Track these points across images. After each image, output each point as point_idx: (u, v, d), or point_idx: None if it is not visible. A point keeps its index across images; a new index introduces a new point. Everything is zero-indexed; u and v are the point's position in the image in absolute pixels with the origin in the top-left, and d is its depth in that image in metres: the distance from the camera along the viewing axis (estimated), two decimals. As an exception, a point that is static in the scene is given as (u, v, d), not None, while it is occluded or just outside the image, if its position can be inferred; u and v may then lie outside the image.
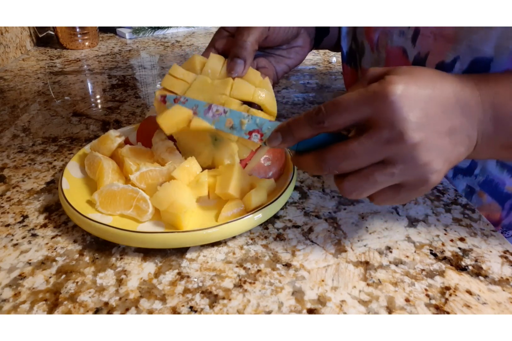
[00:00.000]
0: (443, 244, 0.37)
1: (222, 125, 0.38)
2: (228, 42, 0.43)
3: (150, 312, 0.31)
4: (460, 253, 0.36)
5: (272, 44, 0.45)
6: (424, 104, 0.29)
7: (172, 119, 0.39)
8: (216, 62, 0.41)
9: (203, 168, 0.41)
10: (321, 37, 0.55)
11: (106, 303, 0.32)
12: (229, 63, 0.40)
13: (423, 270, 0.35)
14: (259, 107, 0.41)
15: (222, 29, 0.44)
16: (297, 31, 0.47)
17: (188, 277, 0.34)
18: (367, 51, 0.51)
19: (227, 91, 0.40)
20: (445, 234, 0.39)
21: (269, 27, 0.42)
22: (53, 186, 0.46)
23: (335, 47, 0.61)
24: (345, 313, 0.31)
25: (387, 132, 0.28)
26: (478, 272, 0.34)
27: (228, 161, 0.42)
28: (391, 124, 0.28)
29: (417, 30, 0.43)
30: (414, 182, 0.30)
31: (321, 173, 0.31)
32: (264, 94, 0.40)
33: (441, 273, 0.34)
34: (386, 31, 0.47)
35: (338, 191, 0.31)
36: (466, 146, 0.31)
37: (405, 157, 0.29)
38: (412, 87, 0.28)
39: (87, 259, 0.36)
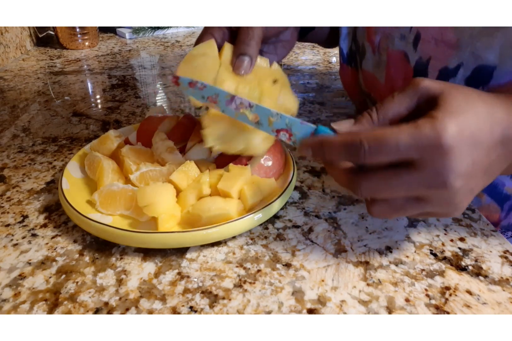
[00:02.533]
0: (443, 244, 0.37)
1: (246, 119, 0.36)
2: (224, 33, 0.42)
3: (150, 312, 0.31)
4: (460, 253, 0.36)
5: (266, 38, 0.43)
6: (473, 153, 0.28)
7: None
8: (230, 53, 0.40)
9: (232, 154, 0.40)
10: (306, 32, 0.54)
11: (106, 303, 0.32)
12: (236, 61, 0.39)
13: (423, 270, 0.35)
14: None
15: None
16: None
17: (188, 277, 0.34)
18: (369, 53, 0.51)
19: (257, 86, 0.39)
20: (445, 234, 0.39)
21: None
22: (53, 186, 0.46)
23: (327, 43, 0.61)
24: (345, 313, 0.31)
25: (430, 177, 0.28)
26: (478, 272, 0.34)
27: (262, 148, 0.40)
28: (437, 172, 0.27)
29: (418, 35, 0.43)
30: (439, 214, 0.31)
31: (352, 193, 0.31)
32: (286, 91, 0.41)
33: (441, 273, 0.34)
34: (387, 34, 0.47)
35: (367, 210, 0.32)
36: (498, 174, 0.31)
37: (440, 200, 0.29)
38: (466, 133, 0.27)
39: (87, 259, 0.36)
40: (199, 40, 0.41)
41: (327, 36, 0.58)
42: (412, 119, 0.28)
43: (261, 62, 0.41)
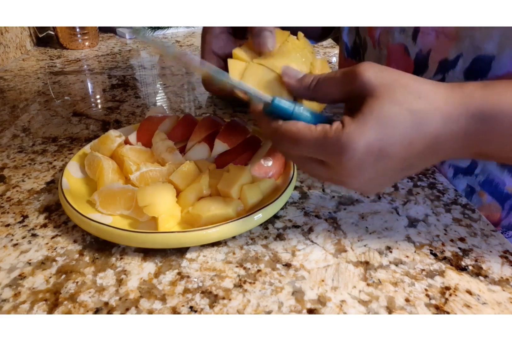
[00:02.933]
0: (443, 244, 0.37)
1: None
2: (225, 42, 0.41)
3: (150, 312, 0.31)
4: (460, 253, 0.36)
5: None
6: (379, 164, 0.28)
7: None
8: (245, 55, 0.39)
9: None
10: None
11: (106, 303, 0.32)
12: (258, 39, 0.37)
13: (423, 270, 0.35)
14: None
15: (210, 28, 0.42)
16: None
17: (188, 277, 0.34)
18: (370, 48, 0.52)
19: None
20: (445, 234, 0.39)
21: None
22: (53, 186, 0.46)
23: (312, 38, 0.61)
24: (345, 313, 0.31)
25: (334, 175, 0.30)
26: (478, 272, 0.34)
27: None
28: (338, 174, 0.29)
29: (417, 27, 0.43)
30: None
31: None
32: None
33: (441, 273, 0.34)
34: (387, 29, 0.48)
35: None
36: (418, 171, 0.32)
37: (344, 186, 0.32)
38: (374, 147, 0.27)
39: (87, 259, 0.36)
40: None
41: (310, 30, 0.58)
42: (346, 101, 0.30)
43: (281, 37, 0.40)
